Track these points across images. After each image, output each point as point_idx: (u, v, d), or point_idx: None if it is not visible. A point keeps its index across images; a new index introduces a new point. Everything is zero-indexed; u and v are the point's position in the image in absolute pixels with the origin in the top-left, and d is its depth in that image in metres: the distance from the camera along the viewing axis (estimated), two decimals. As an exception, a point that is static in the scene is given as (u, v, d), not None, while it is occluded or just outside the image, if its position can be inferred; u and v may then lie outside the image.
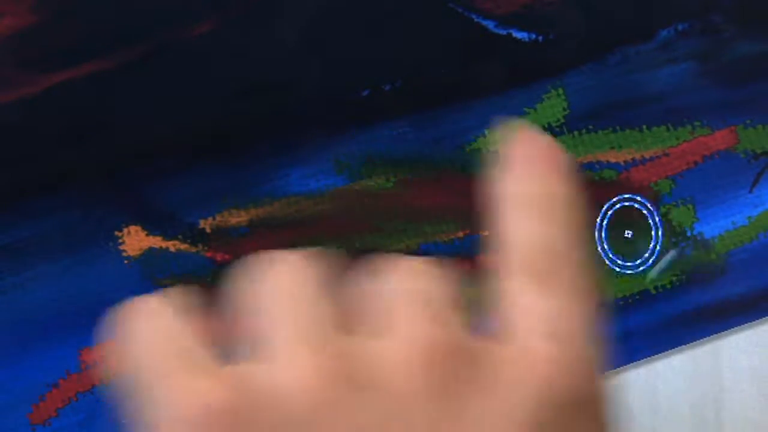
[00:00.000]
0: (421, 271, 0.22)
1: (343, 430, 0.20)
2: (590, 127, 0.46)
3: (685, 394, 0.40)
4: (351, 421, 0.20)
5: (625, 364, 0.44)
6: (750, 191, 0.46)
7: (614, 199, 0.45)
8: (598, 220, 0.43)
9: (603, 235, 0.44)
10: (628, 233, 0.44)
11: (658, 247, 0.44)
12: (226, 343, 0.21)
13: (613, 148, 0.46)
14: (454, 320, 0.21)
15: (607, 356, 0.22)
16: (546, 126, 0.46)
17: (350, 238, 0.44)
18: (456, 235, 0.45)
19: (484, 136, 0.46)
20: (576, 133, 0.46)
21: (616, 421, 0.22)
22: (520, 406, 0.20)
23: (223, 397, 0.20)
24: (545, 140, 0.23)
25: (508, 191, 0.23)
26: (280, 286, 0.21)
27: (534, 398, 0.21)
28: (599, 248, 0.43)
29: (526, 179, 0.23)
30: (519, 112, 0.46)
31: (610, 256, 0.44)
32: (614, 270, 0.44)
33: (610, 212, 0.45)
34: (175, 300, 0.22)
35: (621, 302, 0.45)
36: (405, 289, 0.21)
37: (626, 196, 0.44)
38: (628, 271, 0.44)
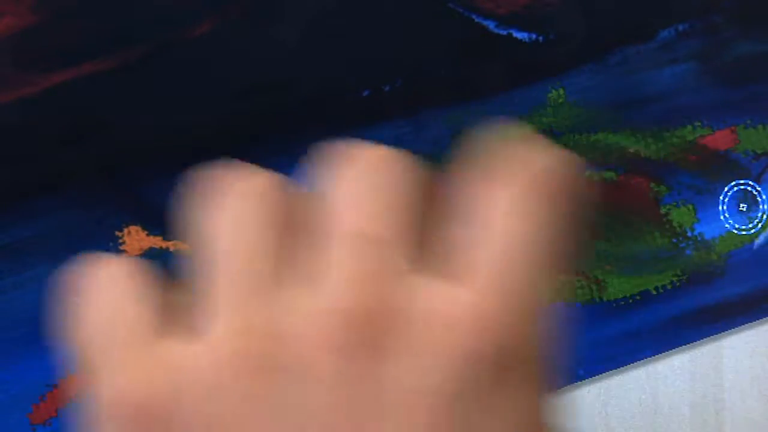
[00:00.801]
0: (379, 164, 0.22)
1: (259, 418, 0.20)
2: (590, 127, 0.47)
3: (685, 394, 0.41)
4: (266, 409, 0.20)
5: (627, 364, 0.45)
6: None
7: (732, 183, 0.47)
8: (721, 197, 0.46)
9: (725, 208, 0.46)
10: (743, 206, 0.47)
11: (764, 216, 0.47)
12: (176, 307, 0.22)
13: (612, 148, 0.47)
14: (391, 261, 0.20)
15: (549, 319, 0.21)
16: (547, 128, 0.47)
17: None
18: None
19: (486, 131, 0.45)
20: (575, 134, 0.47)
21: (558, 390, 0.21)
22: (441, 368, 0.20)
23: (140, 391, 0.20)
24: (533, 143, 0.23)
25: (489, 191, 0.22)
26: (228, 222, 0.21)
27: (457, 357, 0.20)
28: (723, 217, 0.47)
29: (508, 185, 0.22)
30: (520, 112, 0.46)
31: (731, 222, 0.46)
32: (733, 231, 0.47)
33: (730, 192, 0.46)
34: (134, 267, 0.22)
35: (622, 302, 0.46)
36: (352, 205, 0.21)
37: (741, 181, 0.47)
38: (743, 232, 0.46)
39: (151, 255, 0.45)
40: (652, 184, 0.47)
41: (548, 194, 0.21)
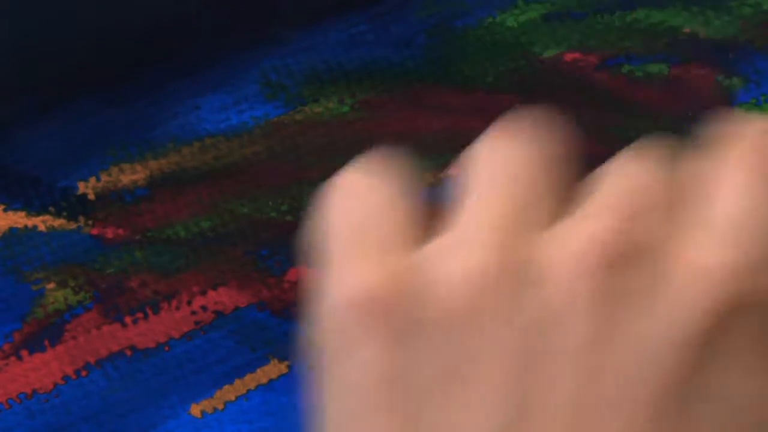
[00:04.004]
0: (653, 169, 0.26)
1: (499, 335, 0.25)
2: (625, 3, 0.47)
3: None
4: (508, 322, 0.25)
5: None
6: None
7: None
8: None
9: None
10: None
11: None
12: (424, 224, 0.27)
13: (658, 30, 0.46)
14: (646, 217, 0.25)
15: None
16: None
17: (295, 189, 0.44)
18: (447, 173, 0.44)
19: (478, 25, 0.46)
20: (604, 14, 0.46)
21: None
22: (689, 317, 0.24)
23: (381, 284, 0.25)
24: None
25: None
26: (496, 167, 0.27)
27: (703, 306, 0.24)
28: None
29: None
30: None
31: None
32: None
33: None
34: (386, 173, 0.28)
35: None
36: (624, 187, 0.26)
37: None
38: None
39: (12, 239, 0.44)
40: (720, 77, 0.46)
41: None
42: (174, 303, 0.42)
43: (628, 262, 0.25)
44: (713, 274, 0.24)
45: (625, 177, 0.26)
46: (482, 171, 0.27)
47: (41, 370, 0.42)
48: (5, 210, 0.44)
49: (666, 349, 0.24)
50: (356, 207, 0.27)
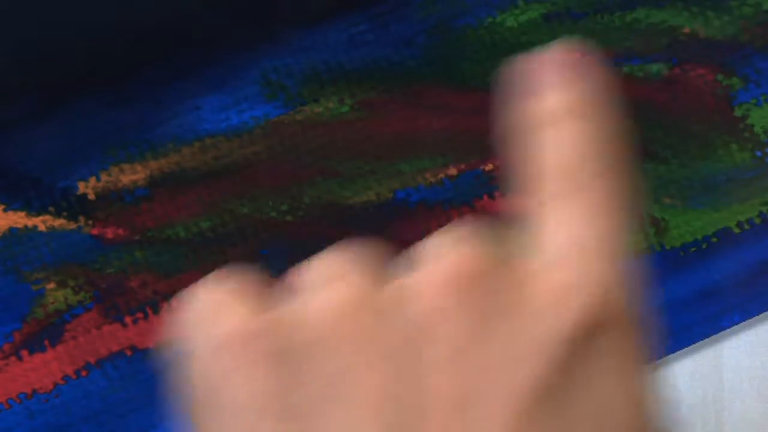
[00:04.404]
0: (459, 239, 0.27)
1: (369, 348, 0.26)
2: (624, 2, 0.46)
3: (685, 394, 0.45)
4: (374, 339, 0.26)
5: (705, 338, 0.44)
6: None
7: None
8: None
9: None
10: None
11: None
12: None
13: (659, 30, 0.46)
14: (484, 247, 0.27)
15: (639, 280, 0.27)
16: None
17: (295, 189, 0.44)
18: (447, 173, 0.45)
19: (478, 25, 0.46)
20: (604, 14, 0.46)
21: (649, 347, 0.27)
22: (550, 329, 0.26)
23: (252, 319, 0.26)
24: (568, 48, 0.29)
25: (529, 109, 0.28)
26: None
27: (565, 320, 0.26)
28: None
29: (547, 94, 0.28)
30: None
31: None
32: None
33: None
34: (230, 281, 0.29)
35: (692, 249, 0.45)
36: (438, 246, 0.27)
37: None
38: None
39: (12, 239, 0.44)
40: (720, 76, 0.46)
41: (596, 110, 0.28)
42: (174, 303, 0.42)
43: (487, 278, 0.26)
44: (568, 291, 0.26)
45: (453, 235, 0.27)
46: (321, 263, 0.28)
47: (41, 370, 0.42)
48: (5, 210, 0.44)
49: (532, 348, 0.25)
50: (215, 292, 0.28)
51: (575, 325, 0.26)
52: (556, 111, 0.28)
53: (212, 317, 0.27)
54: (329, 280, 0.27)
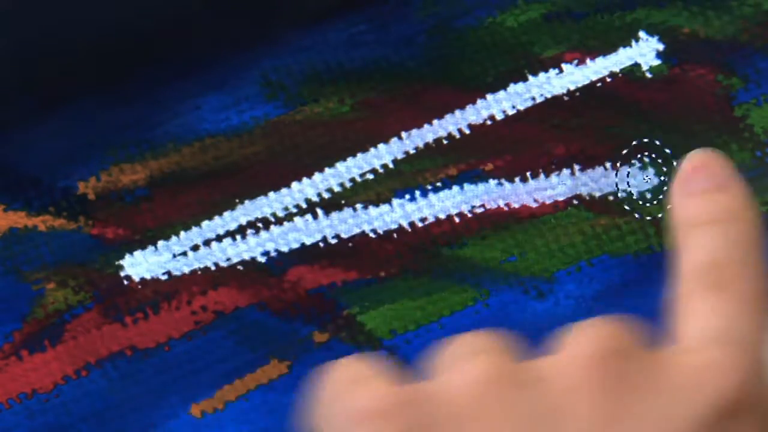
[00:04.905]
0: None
1: (506, 421, 0.26)
2: (625, 2, 0.46)
3: None
4: (514, 412, 0.26)
5: None
6: None
7: None
8: None
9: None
10: None
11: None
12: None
13: (659, 30, 0.46)
14: (622, 331, 0.28)
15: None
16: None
17: (295, 189, 0.44)
18: (447, 173, 0.45)
19: (478, 25, 0.46)
20: (604, 14, 0.46)
21: None
22: (685, 410, 0.26)
23: (392, 396, 0.27)
24: (712, 157, 0.31)
25: (682, 211, 0.31)
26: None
27: (700, 403, 0.27)
28: None
29: (697, 198, 0.31)
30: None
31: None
32: None
33: None
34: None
35: None
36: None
37: None
38: None
39: (12, 239, 0.44)
40: (720, 76, 0.46)
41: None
42: (174, 303, 0.42)
43: (625, 358, 0.27)
44: (706, 373, 0.27)
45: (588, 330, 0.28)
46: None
47: (41, 370, 0.42)
48: (5, 210, 0.44)
49: (667, 428, 0.26)
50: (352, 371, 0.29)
51: (711, 407, 0.26)
52: (703, 214, 0.30)
53: (351, 391, 0.28)
54: (469, 355, 0.28)
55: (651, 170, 0.45)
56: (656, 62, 0.46)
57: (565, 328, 0.29)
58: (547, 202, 0.44)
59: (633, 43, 0.46)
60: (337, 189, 0.44)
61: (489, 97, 0.45)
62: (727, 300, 0.29)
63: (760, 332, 0.28)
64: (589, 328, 0.28)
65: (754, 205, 0.30)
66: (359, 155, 0.45)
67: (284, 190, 0.44)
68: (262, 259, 0.43)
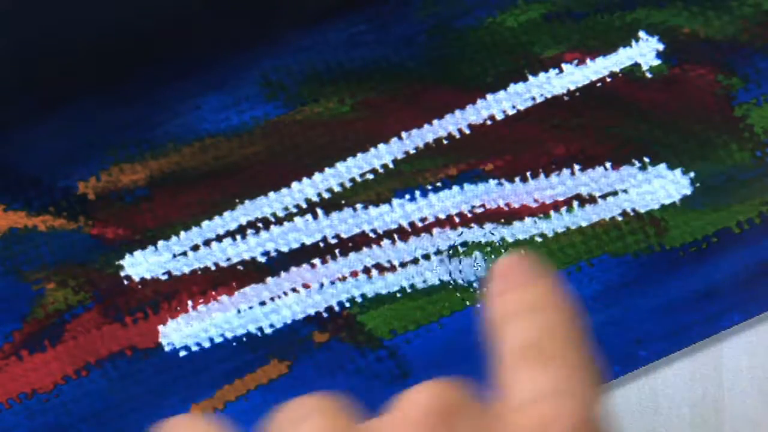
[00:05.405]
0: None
1: None
2: (625, 2, 0.46)
3: (685, 394, 0.45)
4: None
5: (705, 338, 0.44)
6: None
7: None
8: None
9: None
10: None
11: None
12: None
13: (659, 30, 0.46)
14: (456, 393, 0.29)
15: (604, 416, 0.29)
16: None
17: (295, 189, 0.44)
18: (447, 173, 0.44)
19: (478, 25, 0.45)
20: (604, 14, 0.45)
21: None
22: None
23: None
24: (521, 258, 0.33)
25: (499, 306, 0.32)
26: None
27: None
28: None
29: (511, 292, 0.32)
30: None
31: None
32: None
33: None
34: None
35: (691, 249, 0.45)
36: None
37: None
38: None
39: (12, 238, 0.43)
40: (720, 76, 0.46)
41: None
42: (174, 303, 0.42)
43: (461, 412, 0.28)
44: (549, 422, 0.28)
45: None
46: None
47: (41, 370, 0.42)
48: (5, 210, 0.43)
49: None
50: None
51: None
52: (518, 305, 0.32)
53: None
54: (304, 418, 0.29)
55: (480, 258, 0.45)
56: (656, 62, 0.45)
57: (404, 391, 0.29)
58: (547, 202, 0.44)
59: (633, 43, 0.45)
60: (337, 189, 0.44)
61: (489, 97, 0.44)
62: (552, 368, 0.30)
63: (590, 390, 0.29)
64: (422, 388, 0.29)
65: (564, 294, 0.32)
66: (359, 155, 0.44)
67: (284, 190, 0.44)
68: (262, 259, 0.43)
